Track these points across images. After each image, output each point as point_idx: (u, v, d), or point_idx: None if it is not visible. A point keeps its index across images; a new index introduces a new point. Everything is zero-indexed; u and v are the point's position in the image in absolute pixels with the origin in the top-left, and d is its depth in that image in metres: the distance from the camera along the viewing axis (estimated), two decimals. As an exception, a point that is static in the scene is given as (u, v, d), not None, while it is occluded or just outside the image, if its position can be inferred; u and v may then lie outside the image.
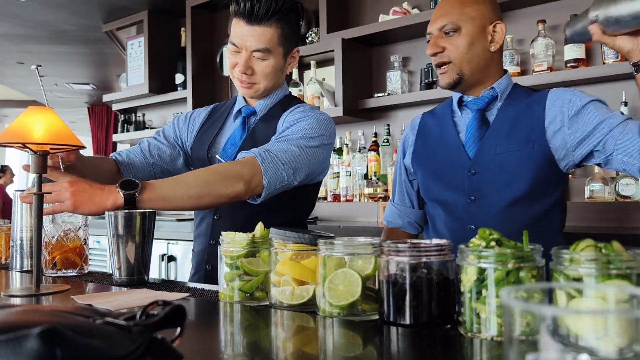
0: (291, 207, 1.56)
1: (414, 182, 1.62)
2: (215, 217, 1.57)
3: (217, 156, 1.57)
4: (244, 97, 1.61)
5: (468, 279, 0.74)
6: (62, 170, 1.30)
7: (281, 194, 1.42)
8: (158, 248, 2.86)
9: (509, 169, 1.39)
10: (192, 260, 1.66)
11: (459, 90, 1.48)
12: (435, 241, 0.83)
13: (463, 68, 1.42)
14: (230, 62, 1.52)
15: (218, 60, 3.61)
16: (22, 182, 8.52)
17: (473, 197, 1.42)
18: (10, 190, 7.14)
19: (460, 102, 1.51)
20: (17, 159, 9.14)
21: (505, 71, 1.50)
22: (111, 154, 1.64)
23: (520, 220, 1.38)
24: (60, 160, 1.32)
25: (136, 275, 1.20)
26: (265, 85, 1.53)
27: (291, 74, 3.16)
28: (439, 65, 1.45)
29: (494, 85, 1.46)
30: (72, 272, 1.36)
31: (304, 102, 1.62)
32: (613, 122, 1.33)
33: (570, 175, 2.45)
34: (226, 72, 3.31)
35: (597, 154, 1.36)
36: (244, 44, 1.47)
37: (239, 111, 1.61)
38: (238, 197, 1.32)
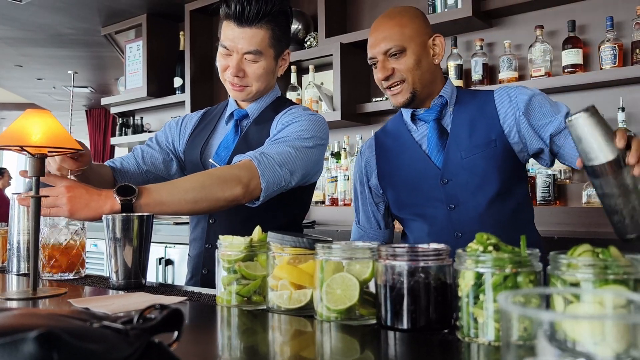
0: (286, 210, 1.55)
1: (380, 204, 1.62)
2: (210, 221, 1.56)
3: (210, 160, 1.56)
4: (235, 101, 1.61)
5: (466, 283, 0.74)
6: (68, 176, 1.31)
7: (276, 197, 1.41)
8: (155, 251, 2.85)
9: (477, 171, 1.43)
10: (188, 264, 1.65)
11: (412, 107, 1.51)
12: (433, 246, 0.83)
13: (415, 85, 1.45)
14: (222, 65, 1.52)
15: (216, 63, 3.62)
16: (20, 185, 8.50)
17: (452, 205, 1.45)
18: (8, 193, 7.12)
19: (413, 116, 1.53)
20: (14, 162, 9.11)
21: (447, 78, 1.54)
22: (106, 162, 1.64)
23: (499, 218, 1.43)
24: (69, 172, 1.33)
25: (133, 278, 1.20)
26: (257, 87, 1.53)
27: (289, 77, 3.16)
28: (391, 86, 1.47)
29: (442, 93, 1.50)
30: (69, 276, 1.36)
31: (296, 104, 1.62)
32: (560, 124, 1.39)
33: (567, 181, 2.45)
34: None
35: (543, 154, 1.45)
36: (235, 46, 1.47)
37: (231, 114, 1.61)
38: (236, 201, 1.32)
